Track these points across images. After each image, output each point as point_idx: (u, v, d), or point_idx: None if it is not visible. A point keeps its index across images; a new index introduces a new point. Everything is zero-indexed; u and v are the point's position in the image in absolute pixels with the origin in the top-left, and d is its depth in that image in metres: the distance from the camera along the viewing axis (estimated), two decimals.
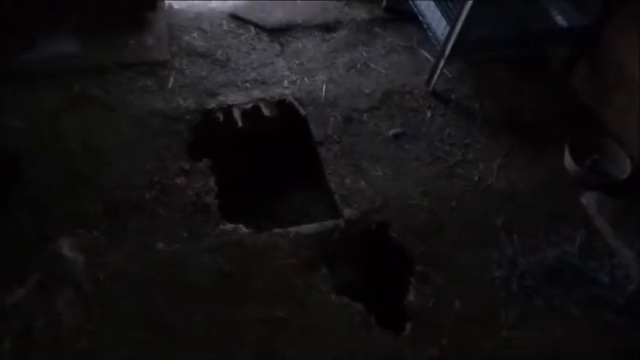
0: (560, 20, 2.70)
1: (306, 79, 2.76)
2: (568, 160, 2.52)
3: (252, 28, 2.97)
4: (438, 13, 2.57)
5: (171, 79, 2.67)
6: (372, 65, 2.87)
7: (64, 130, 2.40)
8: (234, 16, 3.02)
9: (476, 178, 2.47)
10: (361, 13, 3.10)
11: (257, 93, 2.67)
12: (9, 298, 1.91)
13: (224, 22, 3.00)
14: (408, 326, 2.03)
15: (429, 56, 2.91)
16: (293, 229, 2.20)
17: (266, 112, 2.61)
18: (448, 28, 2.48)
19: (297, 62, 2.84)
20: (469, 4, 2.29)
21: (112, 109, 2.51)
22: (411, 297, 2.10)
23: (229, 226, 2.20)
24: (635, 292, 2.18)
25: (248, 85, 2.71)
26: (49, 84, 2.54)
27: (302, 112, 2.62)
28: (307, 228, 2.22)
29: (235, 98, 2.63)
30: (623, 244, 2.31)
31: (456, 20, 2.40)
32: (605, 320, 2.12)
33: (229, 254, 2.11)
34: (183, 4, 3.31)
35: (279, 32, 2.96)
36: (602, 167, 2.53)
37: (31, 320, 1.86)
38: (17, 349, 1.81)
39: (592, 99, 2.75)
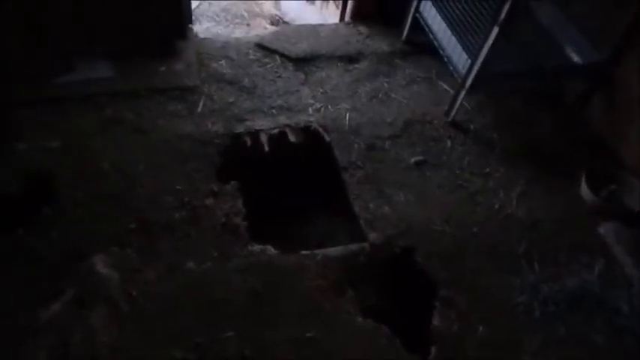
0: (575, 57, 2.81)
1: (330, 107, 2.86)
2: (585, 191, 2.58)
3: (277, 58, 3.09)
4: (459, 47, 2.69)
5: (201, 104, 2.77)
6: (393, 95, 2.97)
7: (96, 151, 2.47)
8: (260, 46, 3.14)
9: (496, 206, 2.53)
10: (382, 46, 3.23)
11: (283, 119, 2.76)
12: (44, 314, 1.94)
13: (250, 51, 3.12)
14: (433, 349, 2.06)
15: (447, 87, 3.02)
16: (320, 252, 2.25)
17: (292, 137, 2.70)
18: (469, 61, 2.59)
19: (321, 91, 2.94)
20: (491, 38, 2.40)
21: (144, 132, 2.59)
22: (435, 321, 2.13)
23: (258, 247, 2.25)
24: None
25: (274, 111, 2.80)
26: (83, 107, 2.63)
27: (327, 138, 2.70)
28: (334, 251, 2.27)
29: (262, 124, 2.73)
30: None
31: (478, 54, 2.51)
32: (627, 348, 2.15)
33: (258, 274, 2.15)
34: (209, 34, 3.46)
35: (303, 62, 3.08)
36: (619, 198, 2.60)
37: (66, 336, 1.89)
38: None
39: (607, 132, 2.83)
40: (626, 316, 2.23)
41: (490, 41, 2.42)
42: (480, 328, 2.12)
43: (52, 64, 2.72)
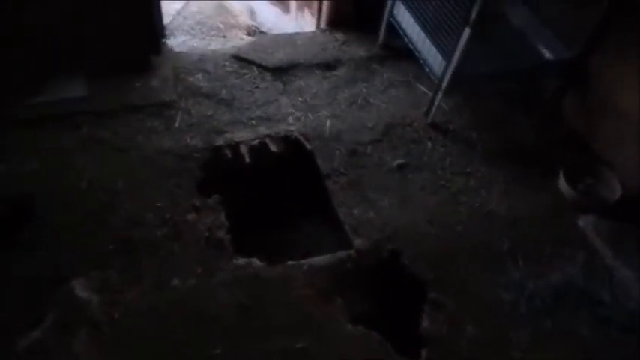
0: (547, 54, 2.86)
1: (309, 115, 2.86)
2: (563, 185, 2.63)
3: (254, 68, 3.08)
4: (434, 49, 2.72)
5: (178, 119, 2.74)
6: (372, 100, 2.99)
7: (75, 171, 2.43)
8: (237, 57, 3.13)
9: (478, 205, 2.55)
10: (359, 51, 3.25)
11: (263, 130, 2.75)
12: (23, 341, 1.89)
13: (227, 63, 3.11)
14: (423, 352, 2.06)
15: (425, 90, 3.05)
16: (306, 262, 2.24)
17: (273, 147, 2.69)
18: (444, 63, 2.62)
19: (300, 99, 2.94)
20: (464, 39, 2.43)
21: (122, 150, 2.56)
22: (425, 323, 2.14)
23: (243, 260, 2.23)
24: (638, 310, 2.25)
25: (254, 122, 2.79)
26: (59, 127, 2.59)
27: (308, 146, 2.70)
28: (320, 259, 2.26)
29: (242, 135, 2.71)
30: (622, 264, 2.39)
31: (452, 55, 2.54)
32: (613, 338, 2.18)
33: (245, 287, 2.13)
34: (184, 48, 3.44)
35: (281, 71, 3.07)
36: (596, 191, 2.65)
37: None
38: None
39: (582, 127, 2.89)
40: (608, 306, 2.27)
41: (463, 42, 2.45)
42: (469, 327, 2.14)
43: (25, 85, 2.67)
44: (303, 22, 3.58)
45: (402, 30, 3.00)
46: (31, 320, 1.95)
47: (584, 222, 2.55)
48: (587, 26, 2.63)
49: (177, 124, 2.72)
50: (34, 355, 1.87)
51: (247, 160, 2.63)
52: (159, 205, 2.37)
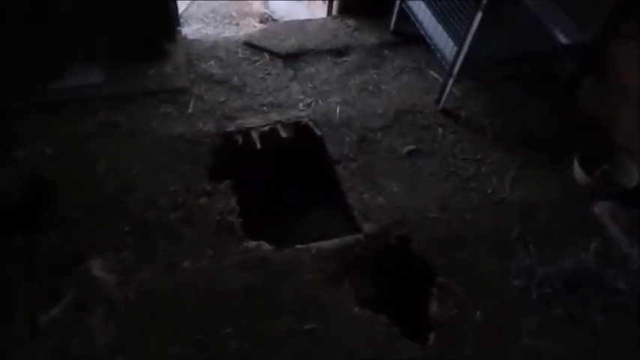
0: (562, 38, 2.80)
1: (320, 101, 2.87)
2: (578, 172, 2.59)
3: (266, 55, 3.10)
4: (445, 35, 2.69)
5: (191, 105, 2.78)
6: (383, 86, 2.98)
7: (92, 155, 2.49)
8: (249, 44, 3.16)
9: (490, 192, 2.54)
10: (370, 38, 3.24)
11: (274, 116, 2.78)
12: (43, 317, 1.96)
13: (239, 50, 3.14)
14: (431, 337, 2.07)
15: (437, 76, 3.03)
16: (315, 245, 2.26)
17: (283, 133, 2.71)
18: (456, 49, 2.59)
19: (310, 86, 2.95)
20: (476, 25, 2.40)
21: (137, 135, 2.61)
22: (433, 308, 2.14)
23: (252, 244, 2.27)
24: None
25: (265, 108, 2.82)
26: (76, 112, 2.66)
27: (318, 132, 2.72)
28: (328, 244, 2.28)
29: (253, 121, 2.74)
30: (639, 252, 2.35)
31: (464, 41, 2.51)
32: (626, 327, 2.15)
33: (254, 270, 2.17)
34: (198, 35, 3.47)
35: (292, 58, 3.09)
36: (612, 178, 2.60)
37: (66, 338, 1.91)
38: None
39: (599, 113, 2.83)
40: (624, 294, 2.24)
41: (475, 27, 2.42)
42: (478, 313, 2.13)
43: (43, 72, 2.73)
44: (315, 9, 3.57)
45: (414, 15, 2.97)
46: (51, 298, 2.02)
47: (600, 208, 2.51)
48: (604, 9, 2.57)
49: (190, 110, 2.76)
50: (53, 330, 1.94)
51: (258, 145, 2.66)
52: (172, 189, 2.41)
